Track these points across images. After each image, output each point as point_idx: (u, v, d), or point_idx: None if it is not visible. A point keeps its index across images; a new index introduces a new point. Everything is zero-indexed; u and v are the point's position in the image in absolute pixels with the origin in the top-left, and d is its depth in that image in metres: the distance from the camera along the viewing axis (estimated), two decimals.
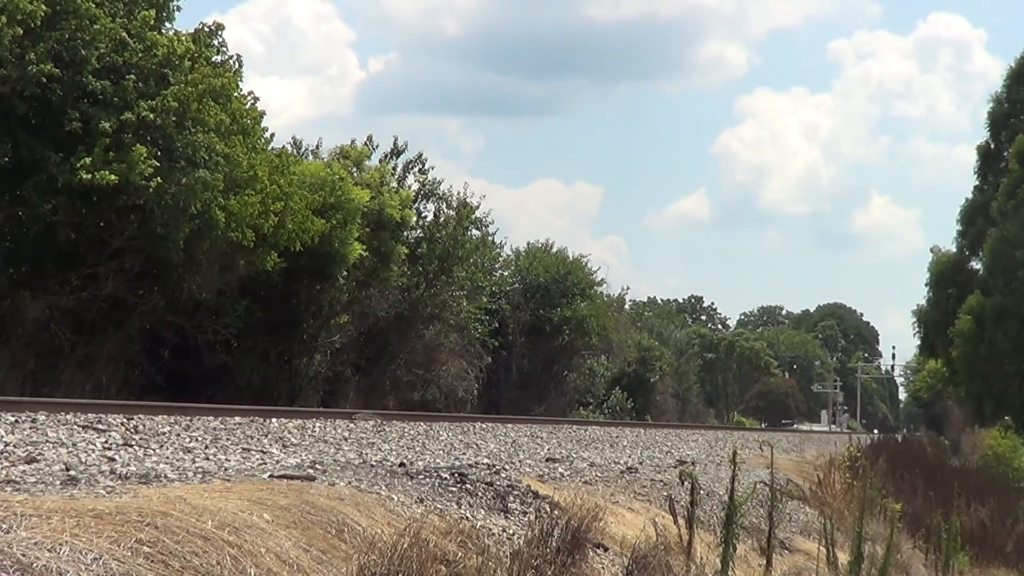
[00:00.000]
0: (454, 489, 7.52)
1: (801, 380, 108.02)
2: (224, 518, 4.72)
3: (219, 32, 21.59)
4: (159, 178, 18.09)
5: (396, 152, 33.07)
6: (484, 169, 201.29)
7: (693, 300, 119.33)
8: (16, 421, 8.86)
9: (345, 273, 26.29)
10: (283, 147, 26.29)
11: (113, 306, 19.94)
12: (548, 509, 7.43)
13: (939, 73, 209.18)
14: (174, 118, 18.87)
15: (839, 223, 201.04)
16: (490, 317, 38.40)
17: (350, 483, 6.74)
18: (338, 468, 7.66)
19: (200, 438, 9.60)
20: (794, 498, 14.93)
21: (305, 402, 25.69)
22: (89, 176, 17.40)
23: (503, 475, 8.46)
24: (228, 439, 9.89)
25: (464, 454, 11.59)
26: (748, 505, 9.30)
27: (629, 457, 14.71)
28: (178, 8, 21.19)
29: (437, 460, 10.09)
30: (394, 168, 32.59)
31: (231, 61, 21.93)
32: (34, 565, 3.65)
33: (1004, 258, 40.66)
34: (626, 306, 62.29)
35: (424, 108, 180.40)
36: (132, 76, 18.66)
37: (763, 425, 71.75)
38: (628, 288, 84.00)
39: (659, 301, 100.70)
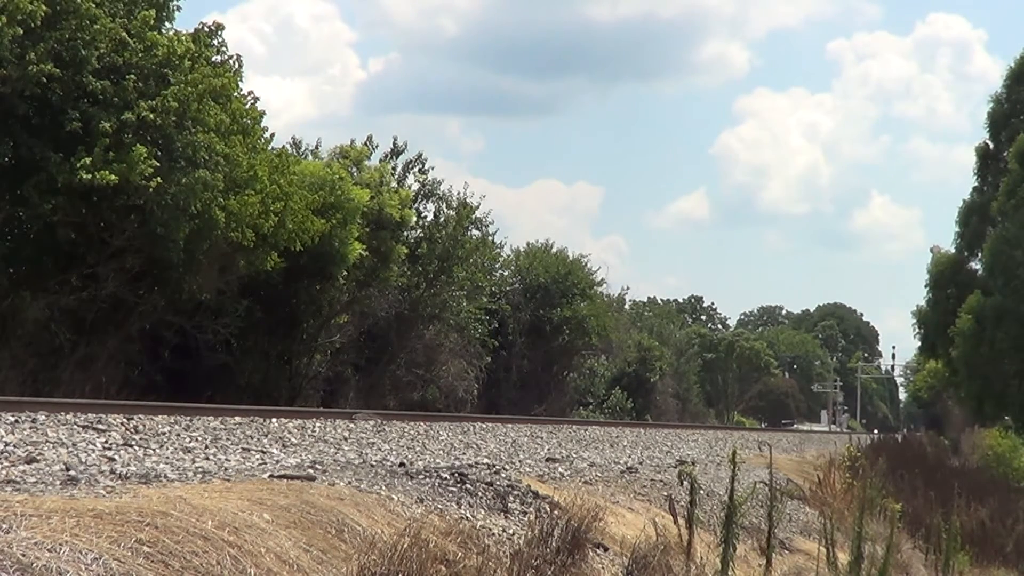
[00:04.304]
0: (454, 489, 7.52)
1: (801, 380, 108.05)
2: (224, 518, 4.72)
3: (219, 32, 21.60)
4: (159, 178, 18.08)
5: (396, 152, 33.10)
6: (484, 169, 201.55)
7: (693, 300, 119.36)
8: (16, 421, 8.85)
9: (345, 273, 26.29)
10: (283, 147, 26.30)
11: (113, 306, 19.94)
12: (548, 509, 7.43)
13: (939, 73, 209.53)
14: (174, 118, 18.87)
15: (839, 223, 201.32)
16: (490, 317, 38.38)
17: (350, 483, 6.74)
18: (338, 468, 7.66)
19: (200, 438, 9.59)
20: (794, 498, 14.93)
21: (305, 402, 25.68)
22: (89, 176, 17.40)
23: (503, 475, 8.46)
24: (228, 439, 9.88)
25: (464, 454, 11.58)
26: (748, 505, 9.29)
27: (629, 457, 14.71)
28: (178, 8, 21.20)
29: (437, 460, 10.09)
30: (394, 168, 32.62)
31: (231, 61, 21.95)
32: (34, 565, 3.65)
33: (1004, 258, 40.68)
34: (626, 306, 62.29)
35: (424, 108, 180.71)
36: (132, 76, 18.65)
37: (763, 425, 71.75)
38: (628, 288, 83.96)
39: (659, 301, 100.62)
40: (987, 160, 46.28)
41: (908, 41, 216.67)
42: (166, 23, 20.83)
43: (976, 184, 46.67)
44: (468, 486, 7.68)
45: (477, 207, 34.43)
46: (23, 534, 3.86)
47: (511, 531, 6.85)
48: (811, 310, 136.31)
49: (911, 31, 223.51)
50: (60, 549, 3.81)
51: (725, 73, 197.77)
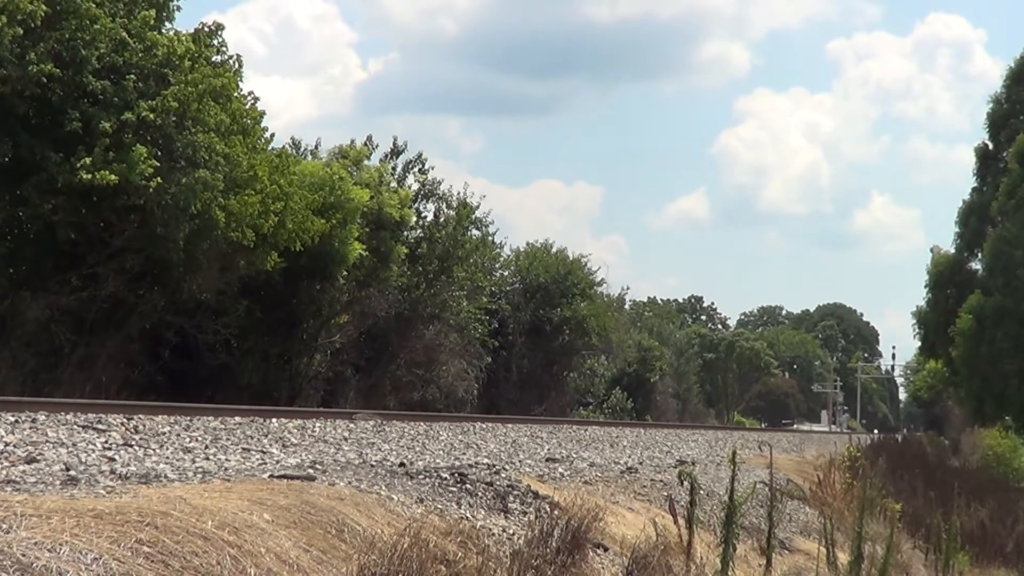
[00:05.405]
0: (454, 489, 7.52)
1: (801, 380, 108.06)
2: (224, 518, 4.72)
3: (219, 32, 21.60)
4: (159, 178, 18.09)
5: (396, 152, 33.12)
6: (484, 169, 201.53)
7: (693, 300, 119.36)
8: (16, 421, 8.85)
9: (345, 273, 26.30)
10: (283, 147, 26.31)
11: (113, 306, 19.94)
12: (548, 509, 7.42)
13: (939, 73, 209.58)
14: (174, 118, 18.87)
15: (839, 223, 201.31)
16: (490, 317, 38.38)
17: (350, 483, 6.74)
18: (338, 468, 7.65)
19: (200, 438, 9.59)
20: (794, 498, 14.93)
21: (305, 402, 25.68)
22: (89, 176, 17.40)
23: (503, 475, 8.46)
24: (228, 439, 9.88)
25: (464, 454, 11.58)
26: (748, 505, 9.30)
27: (629, 457, 14.71)
28: (178, 8, 21.22)
29: (437, 460, 10.09)
30: (393, 168, 32.63)
31: (231, 61, 21.95)
32: (34, 565, 3.65)
33: (1004, 258, 40.73)
34: (626, 306, 62.27)
35: (424, 108, 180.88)
36: (132, 76, 18.66)
37: (763, 425, 71.74)
38: (628, 288, 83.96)
39: (659, 301, 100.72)
40: (987, 160, 46.32)
41: (908, 41, 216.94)
42: (166, 23, 20.84)
43: (976, 184, 46.73)
44: (468, 486, 7.68)
45: (477, 207, 34.52)
46: (23, 534, 3.86)
47: (511, 531, 6.85)
48: (811, 310, 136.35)
49: (911, 31, 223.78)
50: (60, 549, 3.81)
51: (725, 73, 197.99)
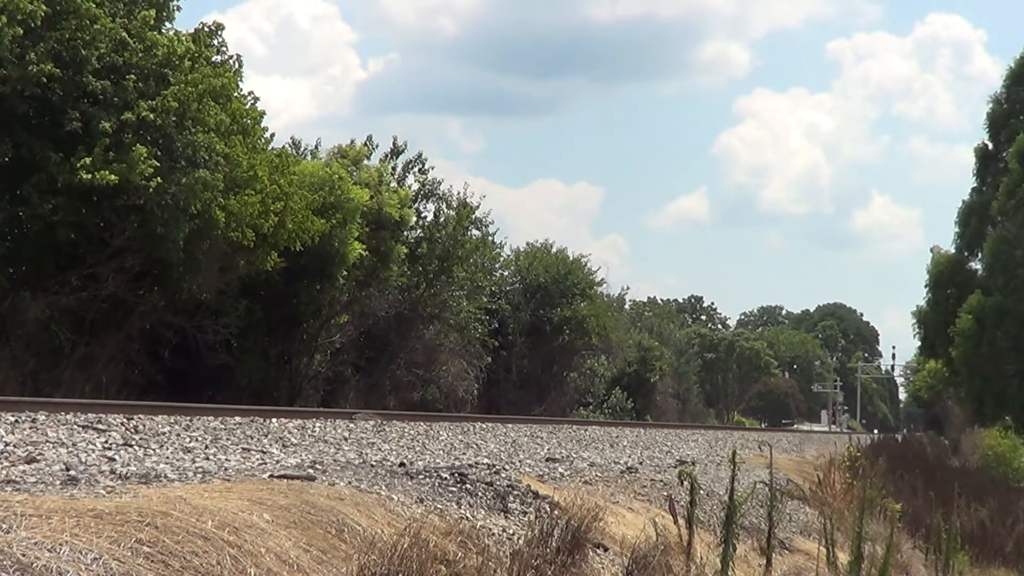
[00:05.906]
0: (454, 489, 7.52)
1: (801, 380, 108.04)
2: (224, 518, 4.71)
3: (219, 32, 21.60)
4: (159, 178, 18.09)
5: (396, 152, 33.13)
6: (484, 169, 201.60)
7: (693, 300, 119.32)
8: (16, 421, 8.85)
9: (345, 273, 26.30)
10: (283, 147, 26.32)
11: (113, 306, 19.94)
12: (548, 509, 7.42)
13: (939, 73, 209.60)
14: (174, 118, 18.88)
15: (839, 223, 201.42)
16: (490, 317, 38.40)
17: (350, 483, 6.74)
18: (338, 468, 7.65)
19: (200, 438, 9.59)
20: (794, 498, 14.93)
21: (305, 402, 25.69)
22: (89, 176, 17.40)
23: (503, 475, 8.45)
24: (228, 439, 9.88)
25: (464, 454, 11.58)
26: (748, 505, 9.30)
27: (629, 457, 14.71)
28: (178, 8, 21.22)
29: (437, 460, 10.08)
30: (393, 168, 32.64)
31: (231, 61, 21.96)
32: (34, 565, 3.65)
33: (1004, 258, 40.73)
34: (626, 306, 62.29)
35: (424, 108, 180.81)
36: (132, 76, 18.66)
37: (763, 425, 71.72)
38: (628, 288, 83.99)
39: (659, 301, 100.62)
40: (987, 160, 46.31)
41: (908, 41, 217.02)
42: (166, 23, 20.84)
43: (976, 184, 46.73)
44: (468, 486, 7.68)
45: (477, 207, 34.53)
46: (23, 534, 3.86)
47: (511, 531, 6.85)
48: (811, 310, 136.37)
49: (911, 31, 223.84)
50: (60, 549, 3.81)
51: (725, 73, 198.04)
